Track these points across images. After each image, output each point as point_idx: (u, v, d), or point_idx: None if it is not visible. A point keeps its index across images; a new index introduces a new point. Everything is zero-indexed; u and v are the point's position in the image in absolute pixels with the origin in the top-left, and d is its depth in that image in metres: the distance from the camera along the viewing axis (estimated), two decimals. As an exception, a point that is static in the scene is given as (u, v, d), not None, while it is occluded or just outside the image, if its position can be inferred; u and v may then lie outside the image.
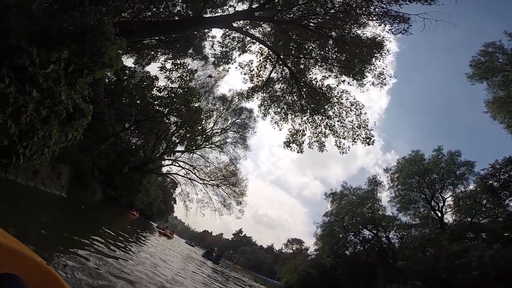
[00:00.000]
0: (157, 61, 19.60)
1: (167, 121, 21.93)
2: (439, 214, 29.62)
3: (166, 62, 18.79)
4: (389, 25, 15.07)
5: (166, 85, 19.22)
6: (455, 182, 28.35)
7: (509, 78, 18.92)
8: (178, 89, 18.50)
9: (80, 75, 6.74)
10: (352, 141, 18.97)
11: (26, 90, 5.94)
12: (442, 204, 29.68)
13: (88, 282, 3.90)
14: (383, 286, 24.29)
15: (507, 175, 21.77)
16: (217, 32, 19.57)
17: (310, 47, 18.21)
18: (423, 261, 24.59)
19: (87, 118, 7.87)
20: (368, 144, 19.04)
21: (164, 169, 36.11)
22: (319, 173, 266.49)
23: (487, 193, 24.05)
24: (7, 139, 6.46)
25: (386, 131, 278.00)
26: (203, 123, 21.08)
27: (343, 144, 18.94)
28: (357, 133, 18.82)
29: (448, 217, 29.63)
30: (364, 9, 15.13)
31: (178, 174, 34.46)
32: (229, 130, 32.26)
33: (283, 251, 69.66)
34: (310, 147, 20.10)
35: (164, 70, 18.45)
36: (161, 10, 14.82)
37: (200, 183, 32.85)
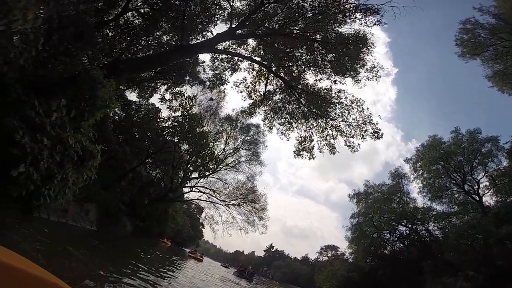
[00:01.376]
0: (159, 92, 20.65)
1: (178, 150, 22.94)
2: (477, 198, 27.90)
3: (165, 93, 20.00)
4: (362, 19, 15.43)
5: (169, 115, 20.38)
6: (484, 161, 26.81)
7: (499, 51, 18.34)
8: (181, 117, 19.59)
9: (82, 119, 7.74)
10: (361, 137, 18.78)
11: (38, 139, 6.99)
12: (477, 187, 28.02)
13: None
14: (432, 280, 23.07)
15: (533, 144, 20.30)
16: (205, 57, 20.71)
17: (299, 54, 18.79)
18: (471, 249, 23.17)
19: (97, 158, 8.83)
20: (378, 138, 18.79)
21: (187, 196, 37.23)
22: (342, 175, 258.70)
23: (518, 166, 22.48)
24: (32, 185, 7.53)
25: (402, 121, 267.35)
26: (210, 146, 21.78)
27: (353, 142, 18.78)
28: (364, 129, 18.65)
29: (488, 199, 27.85)
30: (337, 6, 15.63)
31: (200, 200, 35.36)
32: (240, 149, 32.92)
33: (319, 259, 67.19)
34: (320, 152, 19.96)
35: (164, 101, 19.72)
36: (150, 43, 16.15)
37: (222, 205, 33.45)
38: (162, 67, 16.83)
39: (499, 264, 19.49)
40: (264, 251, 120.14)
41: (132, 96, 22.92)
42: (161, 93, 19.92)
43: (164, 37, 16.44)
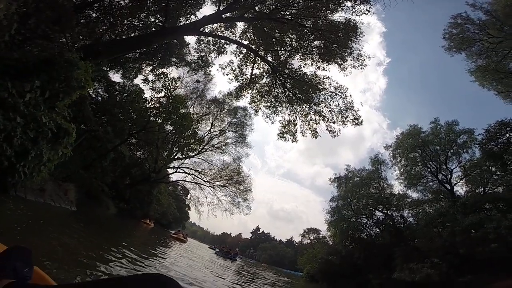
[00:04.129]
0: (143, 72, 20.32)
1: (162, 130, 22.77)
2: (449, 187, 29.29)
3: (148, 74, 19.55)
4: (352, 7, 15.45)
5: (152, 96, 20.05)
6: (459, 151, 28.00)
7: (484, 46, 18.89)
8: (163, 98, 19.32)
9: (57, 99, 7.61)
10: (342, 123, 19.43)
11: (11, 117, 6.88)
12: (450, 176, 29.27)
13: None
14: (401, 266, 24.26)
15: (504, 138, 21.39)
16: (191, 39, 20.21)
17: (288, 39, 18.69)
18: (439, 237, 24.43)
19: (72, 135, 8.79)
20: (358, 125, 19.47)
21: (172, 177, 37.28)
22: (329, 160, 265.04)
23: (490, 159, 23.64)
24: (6, 160, 7.51)
25: (390, 110, 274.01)
26: (193, 127, 21.73)
27: (334, 128, 19.38)
28: (345, 115, 19.26)
29: (459, 189, 29.23)
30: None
31: (185, 181, 35.58)
32: (227, 131, 33.08)
33: (303, 242, 70.01)
34: (303, 135, 20.61)
35: (147, 82, 19.30)
36: (136, 23, 15.56)
37: (207, 186, 33.86)
38: (145, 49, 16.38)
39: (461, 253, 20.68)
40: (251, 233, 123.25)
41: (116, 77, 22.32)
42: (145, 73, 19.45)
43: (149, 18, 15.87)
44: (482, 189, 27.38)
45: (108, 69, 20.12)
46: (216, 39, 17.90)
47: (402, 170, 30.80)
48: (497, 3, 17.44)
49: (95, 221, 15.56)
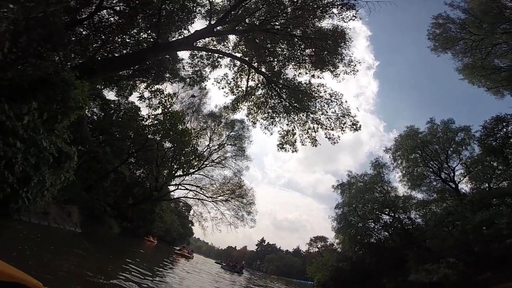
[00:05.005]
0: (138, 89, 20.34)
1: (161, 148, 22.75)
2: (453, 185, 29.08)
3: (144, 91, 19.65)
4: (339, 14, 15.86)
5: (149, 113, 20.04)
6: (458, 149, 28.00)
7: (468, 45, 19.18)
8: (161, 115, 19.41)
9: (55, 121, 7.69)
10: (341, 130, 19.45)
11: (10, 143, 6.92)
12: (452, 174, 29.13)
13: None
14: (416, 268, 23.76)
15: (502, 132, 21.43)
16: (184, 54, 20.45)
17: (279, 49, 19.03)
18: (450, 236, 24.00)
19: (73, 159, 8.78)
20: (356, 130, 19.52)
21: (172, 195, 37.03)
22: (329, 167, 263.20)
23: (490, 154, 23.59)
24: (8, 187, 7.49)
25: (384, 113, 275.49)
26: (193, 143, 21.74)
27: (333, 135, 19.40)
28: (343, 122, 19.33)
29: (464, 187, 28.95)
30: (315, 1, 15.94)
31: (187, 197, 35.39)
32: (226, 145, 33.10)
33: (310, 251, 68.77)
34: (303, 144, 20.56)
35: (143, 99, 19.45)
36: (127, 41, 15.78)
37: (210, 201, 33.62)
38: (139, 65, 16.60)
39: (476, 250, 20.28)
40: (256, 245, 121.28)
41: (110, 95, 22.43)
42: (140, 91, 19.60)
43: (141, 34, 16.18)
44: (486, 185, 27.14)
45: (102, 87, 20.28)
46: (210, 53, 18.22)
47: (404, 172, 30.66)
48: (472, 1, 17.83)
49: (100, 241, 15.42)
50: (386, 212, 33.01)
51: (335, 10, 15.66)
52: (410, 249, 26.68)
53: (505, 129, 20.97)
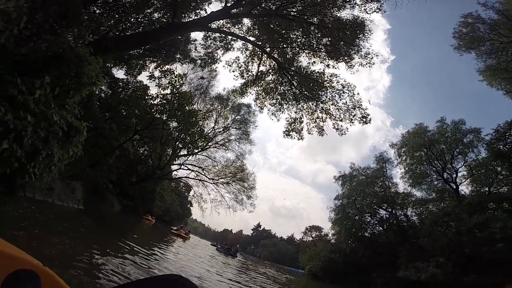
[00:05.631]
0: (147, 69, 20.00)
1: (167, 127, 22.66)
2: (454, 186, 29.16)
3: (154, 70, 19.35)
4: (362, 5, 15.15)
5: (158, 92, 19.86)
6: (465, 151, 27.86)
7: (495, 46, 18.68)
8: (170, 95, 19.17)
9: (67, 96, 7.47)
10: (350, 122, 19.17)
11: (21, 116, 6.74)
12: (455, 176, 29.20)
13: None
14: (406, 265, 24.29)
15: (513, 137, 21.20)
16: (197, 35, 19.95)
17: (294, 36, 18.42)
18: (444, 236, 24.36)
19: (82, 134, 8.63)
20: (365, 123, 19.25)
21: (175, 174, 37.24)
22: (331, 157, 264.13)
23: (497, 159, 23.45)
24: (16, 162, 7.35)
25: (393, 108, 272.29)
26: (200, 124, 21.62)
27: (341, 126, 19.15)
28: (352, 113, 18.99)
29: (464, 189, 29.17)
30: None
31: (189, 177, 35.57)
32: (230, 128, 32.95)
33: (304, 239, 70.21)
34: (309, 133, 20.36)
35: (153, 79, 19.11)
36: (140, 20, 15.35)
37: (211, 183, 33.82)
38: (152, 45, 16.13)
39: (467, 252, 20.62)
40: (252, 230, 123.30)
41: (119, 73, 22.12)
42: (150, 70, 19.28)
43: (155, 14, 15.61)
44: (486, 188, 27.26)
45: (111, 66, 19.93)
46: (223, 35, 17.69)
47: (407, 168, 30.76)
48: (509, 2, 17.16)
49: (101, 219, 15.56)
50: (384, 207, 33.35)
51: (358, 1, 14.90)
52: (403, 246, 27.18)
53: (517, 134, 20.67)
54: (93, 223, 11.73)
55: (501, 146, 22.20)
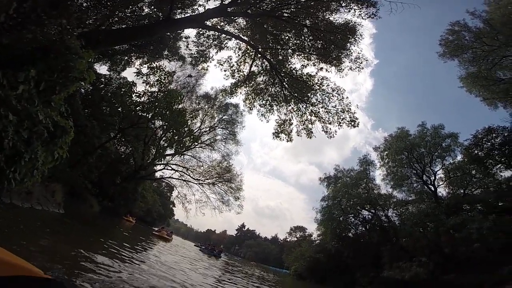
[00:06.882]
0: (132, 65, 19.25)
1: (152, 126, 21.81)
2: (432, 188, 30.34)
3: (141, 67, 18.55)
4: (358, 10, 15.32)
5: (145, 89, 19.11)
6: (443, 154, 29.07)
7: (477, 54, 19.55)
8: (158, 93, 18.43)
9: (53, 92, 6.79)
10: (338, 125, 19.35)
11: (1, 114, 6.02)
12: (433, 178, 30.35)
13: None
14: (390, 265, 24.91)
15: (489, 143, 22.33)
16: (190, 32, 19.37)
17: (287, 38, 18.37)
18: (424, 237, 25.25)
19: (69, 134, 7.91)
20: (354, 127, 19.47)
21: (158, 174, 36.10)
22: (314, 158, 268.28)
23: (474, 163, 24.61)
24: (-5, 167, 6.54)
25: (374, 111, 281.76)
26: (189, 124, 20.97)
27: (330, 129, 19.32)
28: (341, 117, 19.17)
29: (442, 190, 30.26)
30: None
31: (172, 178, 34.62)
32: (217, 128, 32.42)
33: (288, 239, 70.80)
34: (298, 135, 20.40)
35: (140, 75, 18.27)
36: (128, 14, 14.60)
37: (196, 184, 33.10)
38: (144, 40, 15.38)
39: (446, 252, 21.49)
40: (236, 230, 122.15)
41: (102, 69, 20.96)
42: (136, 66, 18.43)
43: (145, 9, 14.88)
44: (462, 190, 28.62)
45: (94, 61, 18.85)
46: (217, 33, 17.27)
47: (389, 171, 31.57)
48: (494, 11, 17.98)
49: (84, 223, 14.57)
50: (367, 208, 34.17)
51: (355, 6, 15.03)
52: (385, 246, 27.94)
53: (492, 141, 21.81)
54: (76, 227, 10.91)
55: (478, 151, 23.32)
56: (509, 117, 20.66)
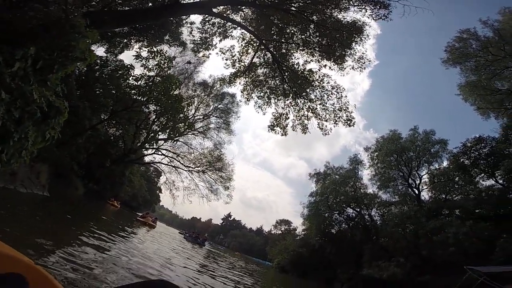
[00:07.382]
0: (131, 48, 18.56)
1: (146, 110, 21.18)
2: (416, 192, 31.25)
3: (141, 50, 17.85)
4: (370, 11, 15.08)
5: (143, 73, 18.33)
6: (430, 160, 29.88)
7: (480, 63, 19.76)
8: (156, 78, 17.80)
9: (50, 71, 6.31)
10: (334, 123, 19.40)
11: (-7, 92, 5.53)
12: (418, 182, 31.25)
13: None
14: (369, 263, 25.69)
15: (477, 153, 22.99)
16: (195, 18, 18.75)
17: (292, 32, 18.00)
18: (403, 238, 26.09)
19: (63, 115, 7.46)
20: (349, 126, 19.56)
21: (147, 159, 35.35)
22: (304, 153, 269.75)
23: (459, 170, 25.38)
24: (-19, 146, 6.06)
25: (368, 111, 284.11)
26: (185, 110, 20.48)
27: (325, 126, 19.35)
28: (338, 115, 19.20)
29: (425, 194, 31.22)
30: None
31: (162, 163, 34.04)
32: (211, 116, 31.94)
33: (273, 232, 71.84)
34: (293, 130, 20.39)
35: (140, 59, 17.56)
36: None
37: (185, 170, 32.67)
38: (148, 24, 14.61)
39: (424, 254, 22.29)
40: (222, 219, 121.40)
41: (99, 50, 19.98)
42: (135, 50, 17.70)
43: None
44: (444, 196, 29.64)
45: (92, 42, 17.87)
46: (223, 21, 16.71)
47: (377, 172, 32.20)
48: (507, 21, 18.05)
49: (69, 207, 14.08)
50: (352, 206, 34.91)
51: (367, 6, 14.76)
52: (367, 244, 28.77)
53: (480, 150, 22.45)
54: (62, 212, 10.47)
55: (465, 159, 24.02)
56: (499, 127, 21.11)
